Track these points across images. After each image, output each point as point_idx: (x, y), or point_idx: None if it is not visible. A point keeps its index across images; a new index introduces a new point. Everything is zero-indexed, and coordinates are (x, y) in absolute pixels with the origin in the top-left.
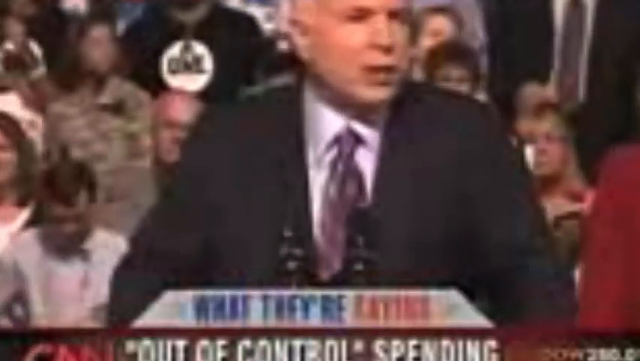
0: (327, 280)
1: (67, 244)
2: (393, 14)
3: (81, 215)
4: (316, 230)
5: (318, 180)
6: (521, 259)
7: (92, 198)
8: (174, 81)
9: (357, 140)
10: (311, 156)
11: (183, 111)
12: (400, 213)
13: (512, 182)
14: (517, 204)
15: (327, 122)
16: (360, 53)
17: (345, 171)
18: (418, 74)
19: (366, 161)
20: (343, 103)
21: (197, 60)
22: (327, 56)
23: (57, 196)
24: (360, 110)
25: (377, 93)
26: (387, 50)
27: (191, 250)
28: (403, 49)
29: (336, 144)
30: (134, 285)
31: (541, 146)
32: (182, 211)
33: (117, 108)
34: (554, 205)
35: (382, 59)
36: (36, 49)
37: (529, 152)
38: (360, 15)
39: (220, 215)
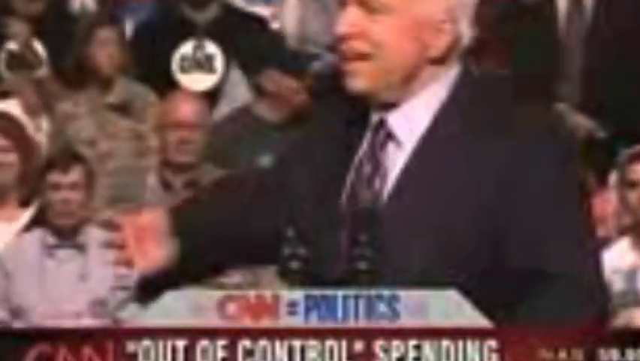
0: (330, 280)
1: (63, 233)
2: (362, 3)
3: (77, 184)
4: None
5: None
6: (539, 283)
7: (86, 173)
8: (185, 80)
9: (389, 135)
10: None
11: (190, 112)
12: (418, 218)
13: (555, 209)
14: (552, 231)
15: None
16: (339, 42)
17: (372, 170)
18: None
19: (395, 158)
20: None
21: (209, 59)
22: None
23: (54, 165)
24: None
25: (352, 83)
26: (342, 38)
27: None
28: (376, 38)
29: (370, 135)
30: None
31: None
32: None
33: (125, 108)
34: None
35: (345, 46)
36: (40, 48)
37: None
38: (342, 4)
39: (294, 200)
